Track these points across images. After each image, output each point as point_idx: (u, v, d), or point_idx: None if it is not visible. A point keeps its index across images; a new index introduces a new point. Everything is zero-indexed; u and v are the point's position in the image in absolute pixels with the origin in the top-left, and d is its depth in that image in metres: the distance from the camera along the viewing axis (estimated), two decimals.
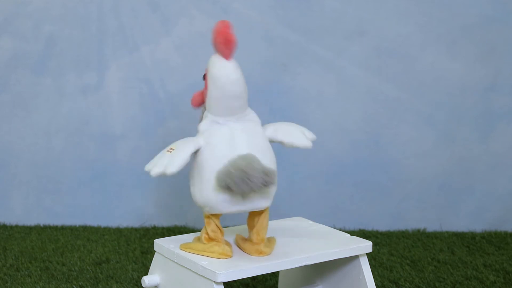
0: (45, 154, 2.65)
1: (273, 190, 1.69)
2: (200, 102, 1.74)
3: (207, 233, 1.71)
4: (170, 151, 1.66)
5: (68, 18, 2.60)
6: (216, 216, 1.70)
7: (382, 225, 2.67)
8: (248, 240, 1.75)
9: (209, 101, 1.69)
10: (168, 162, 1.64)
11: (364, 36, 2.61)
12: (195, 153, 1.67)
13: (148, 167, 1.67)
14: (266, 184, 1.61)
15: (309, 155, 2.63)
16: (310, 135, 1.79)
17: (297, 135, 1.76)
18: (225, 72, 1.65)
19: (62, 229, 2.62)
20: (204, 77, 1.70)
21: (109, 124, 2.64)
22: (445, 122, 2.65)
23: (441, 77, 2.63)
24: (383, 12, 2.60)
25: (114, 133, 2.64)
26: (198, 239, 1.75)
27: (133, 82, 2.62)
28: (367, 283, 1.79)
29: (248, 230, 1.76)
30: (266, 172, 1.61)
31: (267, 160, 1.67)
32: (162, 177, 1.67)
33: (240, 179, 1.59)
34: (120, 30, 2.61)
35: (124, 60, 2.62)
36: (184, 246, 1.73)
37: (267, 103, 2.62)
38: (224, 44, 1.64)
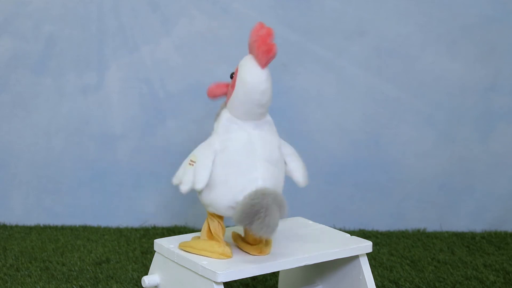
0: (45, 154, 2.65)
1: None
2: (218, 95, 1.71)
3: (209, 229, 1.71)
4: (192, 164, 1.65)
5: (68, 18, 2.60)
6: (220, 216, 1.71)
7: (382, 225, 2.67)
8: (246, 239, 1.75)
9: (232, 102, 1.67)
10: (194, 177, 1.64)
11: (364, 36, 2.61)
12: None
13: (175, 182, 1.68)
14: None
15: (309, 155, 2.63)
16: (307, 178, 1.78)
17: (301, 170, 1.75)
18: (257, 80, 1.63)
19: (62, 229, 2.62)
20: (232, 75, 1.68)
21: (109, 124, 2.64)
22: (445, 122, 2.65)
23: (441, 77, 2.63)
24: (383, 12, 2.60)
25: (114, 133, 2.64)
26: (197, 238, 1.75)
27: (133, 82, 2.62)
28: (367, 283, 1.79)
29: (244, 231, 1.76)
30: (282, 212, 1.61)
31: (280, 171, 1.68)
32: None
33: (261, 225, 1.58)
34: (120, 30, 2.61)
35: (124, 60, 2.62)
36: (183, 245, 1.73)
37: None
38: (265, 53, 1.60)
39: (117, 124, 2.64)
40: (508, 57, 2.62)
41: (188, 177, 1.65)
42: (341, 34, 2.61)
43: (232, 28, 2.59)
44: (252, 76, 1.63)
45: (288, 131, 2.60)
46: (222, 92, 1.70)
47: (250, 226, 1.58)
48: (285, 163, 1.74)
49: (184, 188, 1.65)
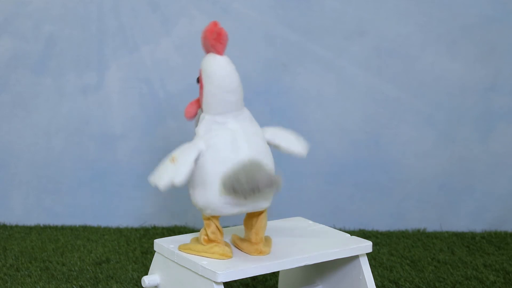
0: (45, 154, 2.65)
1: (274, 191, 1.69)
2: (194, 112, 1.74)
3: (206, 235, 1.71)
4: (173, 161, 1.66)
5: (68, 18, 2.60)
6: (216, 217, 1.70)
7: (382, 225, 2.67)
8: (246, 240, 1.75)
9: (205, 100, 1.69)
10: (173, 172, 1.63)
11: (364, 36, 2.61)
12: (197, 158, 1.67)
13: (153, 180, 1.67)
14: (272, 187, 1.61)
15: (309, 155, 2.62)
16: (305, 144, 1.78)
17: (294, 142, 1.76)
18: (219, 66, 1.67)
19: (62, 229, 2.62)
20: (198, 79, 1.71)
21: (109, 124, 2.64)
22: (445, 122, 2.65)
23: (441, 77, 2.63)
24: (383, 12, 2.60)
25: (114, 133, 2.64)
26: (196, 240, 1.75)
27: (133, 82, 2.62)
28: (367, 283, 1.79)
29: (246, 230, 1.76)
30: (272, 177, 1.61)
31: (268, 161, 1.68)
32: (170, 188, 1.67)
33: (248, 183, 1.58)
34: (120, 30, 2.61)
35: (124, 60, 2.62)
36: (183, 247, 1.73)
37: (267, 103, 2.62)
38: (216, 39, 1.66)
39: (117, 124, 2.64)
40: (508, 57, 2.62)
41: (168, 172, 1.64)
42: (341, 34, 2.61)
43: (232, 28, 2.58)
44: (214, 64, 1.67)
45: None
46: (197, 107, 1.74)
47: (241, 189, 1.58)
48: (277, 145, 1.75)
49: (163, 183, 1.63)
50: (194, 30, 2.60)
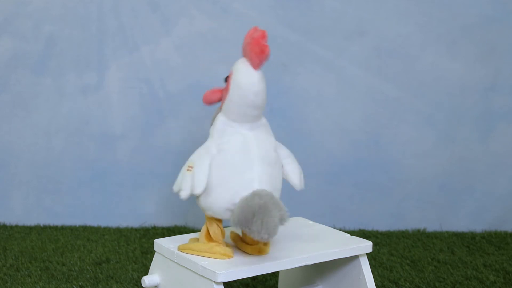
0: (45, 154, 2.65)
1: None
2: (214, 101, 1.72)
3: (208, 234, 1.71)
4: (190, 170, 1.65)
5: (68, 18, 2.60)
6: (218, 218, 1.70)
7: (382, 225, 2.67)
8: (244, 239, 1.75)
9: (227, 105, 1.67)
10: (192, 181, 1.64)
11: (364, 36, 2.61)
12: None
13: (175, 189, 1.68)
14: (280, 225, 1.61)
15: (309, 155, 2.63)
16: (303, 182, 1.77)
17: (297, 173, 1.75)
18: (250, 82, 1.64)
19: (62, 229, 2.62)
20: (227, 79, 1.69)
21: (109, 124, 2.64)
22: (445, 122, 2.65)
23: (441, 77, 2.63)
24: (383, 12, 2.60)
25: (114, 133, 2.64)
26: (196, 241, 1.74)
27: (133, 82, 2.62)
28: (367, 283, 1.79)
29: (242, 232, 1.76)
30: (282, 216, 1.60)
31: (276, 173, 1.67)
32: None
33: (258, 232, 1.57)
34: (120, 30, 2.61)
35: (124, 60, 2.62)
36: (182, 247, 1.73)
37: (267, 103, 2.61)
38: (258, 55, 1.63)
39: (117, 124, 2.64)
40: (508, 57, 2.62)
41: (187, 182, 1.65)
42: (341, 34, 2.61)
43: (232, 28, 2.59)
44: (246, 77, 1.64)
45: (288, 131, 2.61)
46: (218, 98, 1.71)
47: (249, 228, 1.57)
48: (282, 165, 1.74)
49: (184, 194, 1.65)
50: (194, 30, 2.60)
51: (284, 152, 1.75)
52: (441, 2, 2.59)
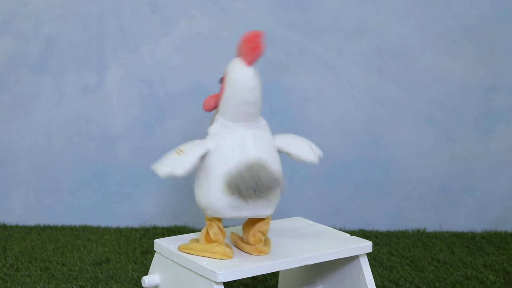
0: (45, 154, 2.65)
1: (277, 198, 1.69)
2: (213, 106, 1.73)
3: (207, 236, 1.71)
4: (179, 153, 1.65)
5: (68, 18, 2.60)
6: (218, 218, 1.70)
7: (382, 225, 2.67)
8: (244, 240, 1.75)
9: (223, 105, 1.68)
10: (176, 163, 1.63)
11: (364, 36, 2.61)
12: (203, 156, 1.66)
13: (155, 166, 1.66)
14: (275, 187, 1.61)
15: None
16: (318, 151, 1.78)
17: (305, 149, 1.75)
18: (244, 78, 1.65)
19: (62, 229, 2.62)
20: (221, 80, 1.70)
21: (109, 124, 2.64)
22: (445, 122, 2.65)
23: (441, 77, 2.63)
24: (383, 12, 2.60)
25: (114, 133, 2.65)
26: (196, 241, 1.74)
27: (133, 82, 2.62)
28: (367, 283, 1.79)
29: (243, 232, 1.76)
30: (276, 177, 1.61)
31: (276, 167, 1.68)
32: (169, 178, 1.66)
33: (251, 181, 1.58)
34: (120, 30, 2.61)
35: (124, 60, 2.62)
36: (183, 247, 1.73)
37: (267, 103, 2.61)
38: (251, 50, 1.63)
39: (117, 124, 2.64)
40: (508, 57, 2.62)
41: (170, 162, 1.64)
42: (341, 34, 2.61)
43: (232, 28, 2.59)
44: (240, 74, 1.65)
45: (288, 131, 2.59)
46: (215, 102, 1.72)
47: (245, 184, 1.57)
48: (288, 153, 1.74)
49: (163, 171, 1.63)
50: (194, 30, 2.60)
51: (283, 139, 1.74)
52: (441, 2, 2.59)
